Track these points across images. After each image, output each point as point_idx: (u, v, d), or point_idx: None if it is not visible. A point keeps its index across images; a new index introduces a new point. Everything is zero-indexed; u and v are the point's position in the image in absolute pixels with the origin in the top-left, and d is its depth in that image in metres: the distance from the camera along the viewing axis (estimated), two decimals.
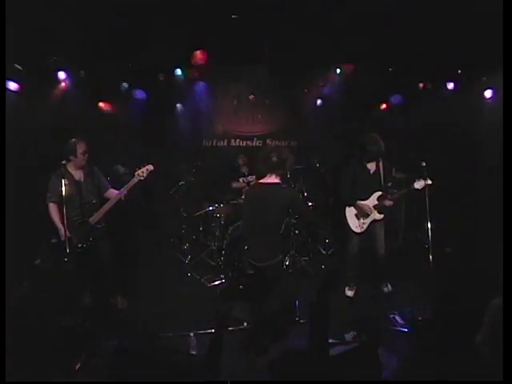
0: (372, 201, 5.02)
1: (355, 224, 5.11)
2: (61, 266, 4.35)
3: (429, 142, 6.35)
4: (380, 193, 4.98)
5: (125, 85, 5.96)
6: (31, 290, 4.79)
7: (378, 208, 4.97)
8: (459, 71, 5.85)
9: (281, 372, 2.71)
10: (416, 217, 5.12)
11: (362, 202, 5.02)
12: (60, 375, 3.47)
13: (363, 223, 5.07)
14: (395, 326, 4.61)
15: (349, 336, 4.10)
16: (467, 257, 5.72)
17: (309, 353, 3.21)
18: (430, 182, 4.65)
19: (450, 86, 6.17)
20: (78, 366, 3.75)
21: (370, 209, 4.99)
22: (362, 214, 5.02)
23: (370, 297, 5.26)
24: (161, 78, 5.93)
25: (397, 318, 4.75)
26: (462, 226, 6.14)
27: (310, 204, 6.82)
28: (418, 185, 4.69)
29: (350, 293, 5.32)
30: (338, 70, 6.15)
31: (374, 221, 5.03)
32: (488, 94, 5.82)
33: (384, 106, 6.88)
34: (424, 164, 4.66)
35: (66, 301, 4.33)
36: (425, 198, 4.55)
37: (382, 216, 5.00)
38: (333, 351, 3.36)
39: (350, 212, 5.14)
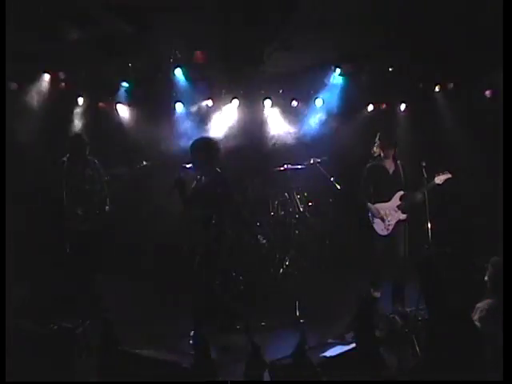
0: (394, 202, 4.90)
1: (381, 227, 4.96)
2: (61, 266, 4.38)
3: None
4: (402, 192, 4.87)
5: (125, 84, 5.94)
6: (31, 290, 4.79)
7: (402, 208, 4.85)
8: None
9: (281, 372, 2.70)
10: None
11: (379, 205, 4.93)
12: (60, 375, 3.46)
13: (389, 225, 4.92)
14: (395, 326, 4.62)
15: (349, 336, 4.11)
16: (467, 257, 5.73)
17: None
18: (449, 175, 4.60)
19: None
20: (77, 366, 3.75)
21: (384, 213, 4.87)
22: (375, 215, 4.93)
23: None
24: (161, 78, 5.93)
25: (397, 317, 4.75)
26: (462, 225, 6.14)
27: (310, 204, 6.85)
28: (439, 179, 4.64)
29: (376, 294, 5.09)
30: (338, 70, 6.14)
31: (399, 221, 4.90)
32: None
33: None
34: (424, 164, 4.69)
35: (65, 300, 4.34)
36: (428, 197, 4.56)
37: (405, 216, 4.87)
38: (333, 351, 3.36)
39: (376, 211, 4.98)
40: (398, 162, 4.91)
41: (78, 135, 4.98)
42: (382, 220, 4.95)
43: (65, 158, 4.76)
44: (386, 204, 4.95)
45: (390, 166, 4.93)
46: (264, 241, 5.69)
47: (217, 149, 4.31)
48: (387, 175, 4.92)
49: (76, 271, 4.58)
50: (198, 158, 4.20)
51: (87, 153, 4.89)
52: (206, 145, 4.28)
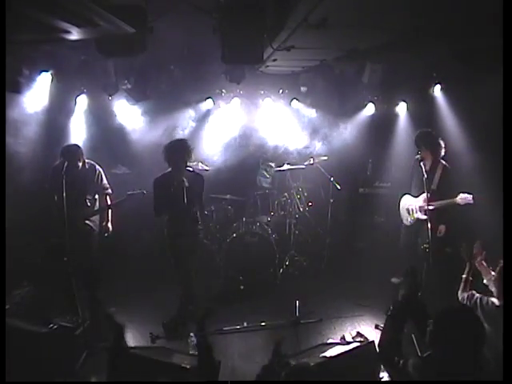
0: (419, 201, 5.04)
1: (405, 216, 5.28)
2: (61, 266, 4.36)
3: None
4: (426, 195, 4.86)
5: (125, 84, 5.93)
6: (31, 290, 4.78)
7: (424, 210, 4.90)
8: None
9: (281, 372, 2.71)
10: None
11: (408, 197, 5.24)
12: (60, 375, 3.46)
13: (411, 219, 5.20)
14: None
15: (349, 336, 4.11)
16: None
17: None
18: (471, 202, 4.55)
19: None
20: (77, 366, 3.76)
21: (410, 207, 5.16)
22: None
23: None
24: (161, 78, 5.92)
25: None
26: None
27: (310, 204, 6.85)
28: (461, 200, 4.59)
29: (395, 280, 5.33)
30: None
31: (419, 220, 5.07)
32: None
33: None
34: (423, 163, 4.70)
35: (65, 300, 4.33)
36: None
37: (425, 217, 4.86)
38: (333, 351, 3.37)
39: (404, 203, 5.31)
40: (441, 164, 4.91)
41: (69, 146, 4.74)
42: (408, 212, 5.24)
43: (57, 164, 4.63)
44: (413, 199, 5.20)
45: (427, 165, 4.96)
46: None
47: (190, 149, 4.53)
48: (421, 174, 4.93)
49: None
50: (173, 159, 4.43)
51: (80, 162, 4.72)
52: (179, 146, 4.49)
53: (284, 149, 6.82)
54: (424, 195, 4.93)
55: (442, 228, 4.91)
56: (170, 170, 4.50)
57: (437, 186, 4.72)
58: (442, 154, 5.00)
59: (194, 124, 6.68)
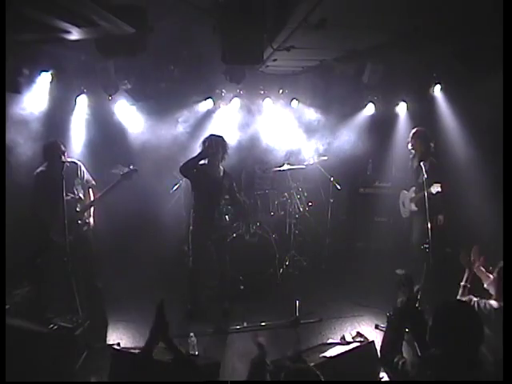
0: (410, 193, 5.39)
1: (402, 209, 5.60)
2: (60, 266, 4.35)
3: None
4: (415, 188, 5.29)
5: (125, 84, 5.93)
6: (31, 290, 4.78)
7: (414, 201, 5.27)
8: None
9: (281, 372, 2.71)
10: None
11: (403, 191, 5.55)
12: (60, 375, 3.46)
13: (405, 211, 5.52)
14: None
15: (349, 336, 4.11)
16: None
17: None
18: (439, 189, 4.80)
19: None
20: (77, 366, 3.76)
21: (403, 200, 5.52)
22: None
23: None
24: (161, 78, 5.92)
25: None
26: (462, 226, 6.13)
27: (310, 204, 6.85)
28: (434, 189, 4.83)
29: (399, 271, 5.50)
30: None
31: (412, 212, 5.36)
32: None
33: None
34: (423, 163, 4.81)
35: (65, 300, 4.33)
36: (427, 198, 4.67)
37: (416, 209, 5.25)
38: (333, 351, 3.37)
39: (401, 197, 5.61)
40: (429, 159, 5.08)
41: (52, 143, 4.58)
42: (403, 205, 5.57)
43: (43, 168, 4.57)
44: (406, 192, 5.50)
45: (416, 160, 5.21)
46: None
47: (227, 146, 4.79)
48: (412, 168, 5.37)
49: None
50: (210, 153, 4.63)
51: (64, 160, 4.52)
52: (218, 141, 4.70)
53: (284, 148, 6.82)
54: (413, 188, 5.29)
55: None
56: (205, 162, 4.71)
57: (423, 180, 4.87)
58: (431, 150, 5.21)
59: (193, 124, 6.68)
